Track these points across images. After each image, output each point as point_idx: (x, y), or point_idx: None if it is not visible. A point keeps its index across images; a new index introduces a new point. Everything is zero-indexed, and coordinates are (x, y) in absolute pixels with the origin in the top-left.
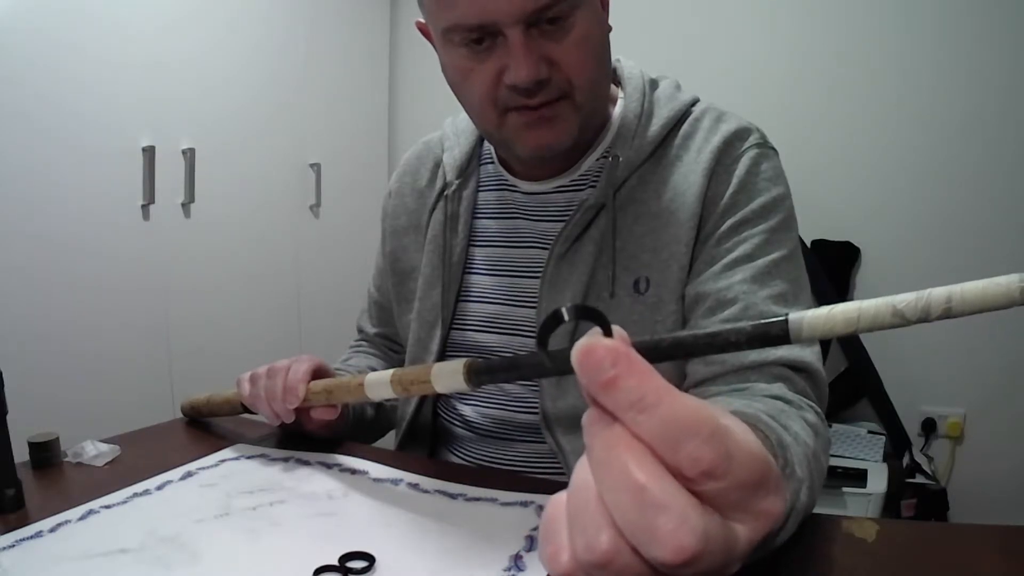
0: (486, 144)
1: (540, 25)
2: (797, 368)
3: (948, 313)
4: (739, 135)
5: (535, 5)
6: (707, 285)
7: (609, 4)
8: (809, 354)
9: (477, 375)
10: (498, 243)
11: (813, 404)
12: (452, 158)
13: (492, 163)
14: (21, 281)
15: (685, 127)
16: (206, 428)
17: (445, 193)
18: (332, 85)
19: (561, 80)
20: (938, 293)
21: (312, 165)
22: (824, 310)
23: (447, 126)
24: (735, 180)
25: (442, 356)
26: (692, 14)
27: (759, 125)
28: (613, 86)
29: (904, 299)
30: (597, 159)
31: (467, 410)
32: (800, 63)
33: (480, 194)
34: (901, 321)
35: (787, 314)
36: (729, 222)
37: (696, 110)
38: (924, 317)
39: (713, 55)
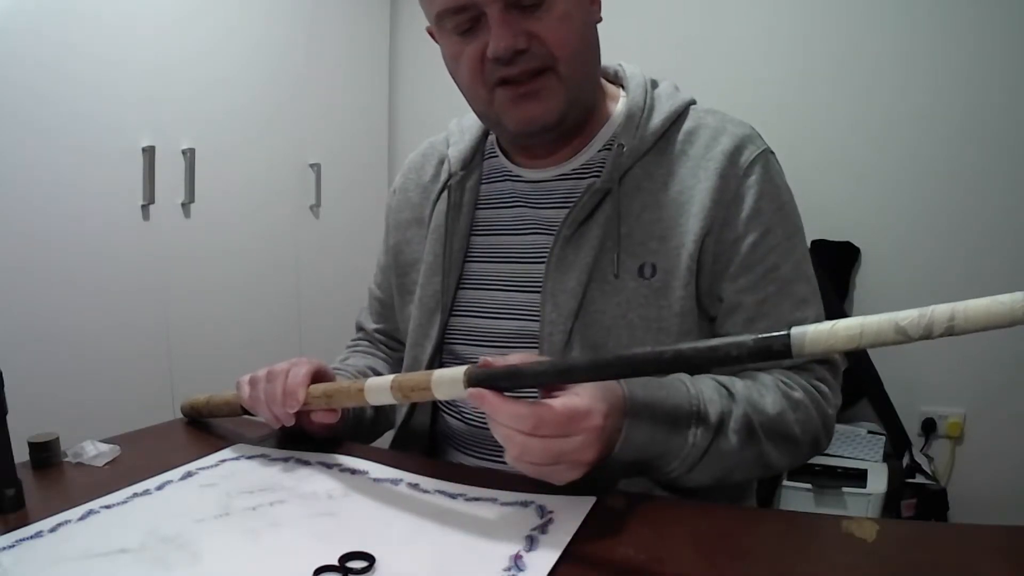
0: (490, 139)
1: (520, 6)
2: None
3: (951, 331)
4: (745, 141)
5: None
6: (744, 296)
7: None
8: None
9: (477, 383)
10: (500, 231)
11: (810, 371)
12: (457, 151)
13: (496, 156)
14: (21, 281)
15: (688, 123)
16: (206, 428)
17: (449, 183)
18: (332, 85)
19: (542, 52)
20: (941, 311)
21: (312, 165)
22: (827, 326)
23: (452, 125)
24: (755, 188)
25: (441, 342)
26: (692, 14)
27: (759, 125)
28: (615, 86)
29: (907, 316)
30: (599, 150)
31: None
32: (800, 63)
33: (483, 186)
34: (904, 338)
35: (790, 329)
36: (758, 230)
37: (696, 109)
38: (927, 335)
39: (713, 55)
